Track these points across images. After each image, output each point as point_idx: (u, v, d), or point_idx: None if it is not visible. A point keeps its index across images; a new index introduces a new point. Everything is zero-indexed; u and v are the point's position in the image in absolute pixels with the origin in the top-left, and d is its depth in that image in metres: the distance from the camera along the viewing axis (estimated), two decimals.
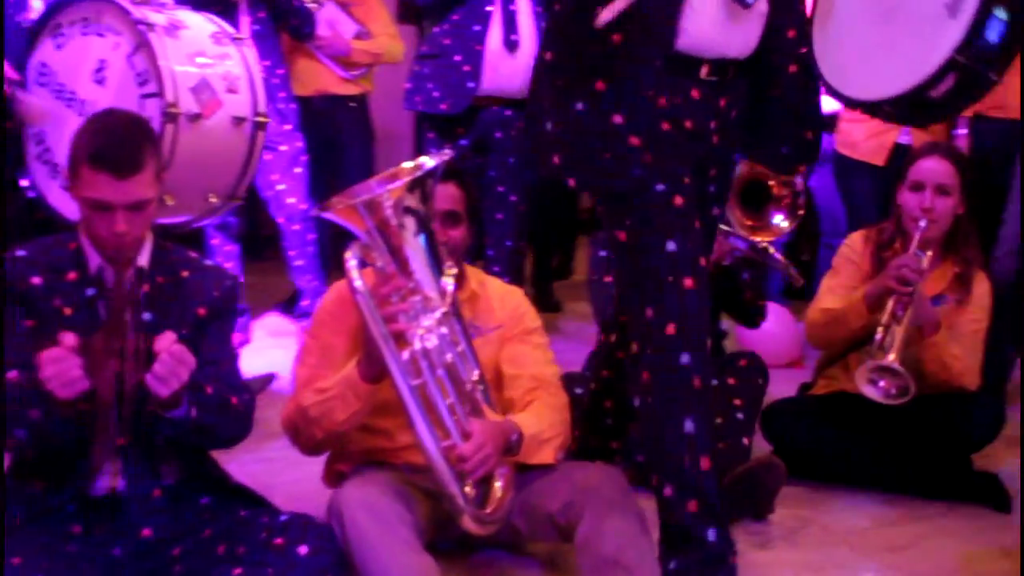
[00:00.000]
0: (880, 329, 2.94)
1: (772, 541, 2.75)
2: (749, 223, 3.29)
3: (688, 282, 2.23)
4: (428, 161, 2.27)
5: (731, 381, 3.17)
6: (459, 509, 2.16)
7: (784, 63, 2.42)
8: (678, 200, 2.26)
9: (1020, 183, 3.65)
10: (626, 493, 2.31)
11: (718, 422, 2.94)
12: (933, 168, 3.09)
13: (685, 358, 2.23)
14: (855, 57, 2.64)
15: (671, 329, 2.23)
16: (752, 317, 3.48)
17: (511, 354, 2.56)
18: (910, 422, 3.05)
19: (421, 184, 2.22)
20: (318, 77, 4.61)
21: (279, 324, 4.34)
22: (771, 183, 3.18)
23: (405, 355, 2.14)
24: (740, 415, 3.09)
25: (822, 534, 2.81)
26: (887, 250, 3.16)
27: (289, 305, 4.50)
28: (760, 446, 3.15)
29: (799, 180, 3.26)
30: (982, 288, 3.17)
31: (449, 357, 2.23)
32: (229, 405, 2.12)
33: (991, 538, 2.80)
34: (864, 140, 4.31)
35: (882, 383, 2.90)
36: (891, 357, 2.87)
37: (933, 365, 3.01)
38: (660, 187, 2.25)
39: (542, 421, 2.42)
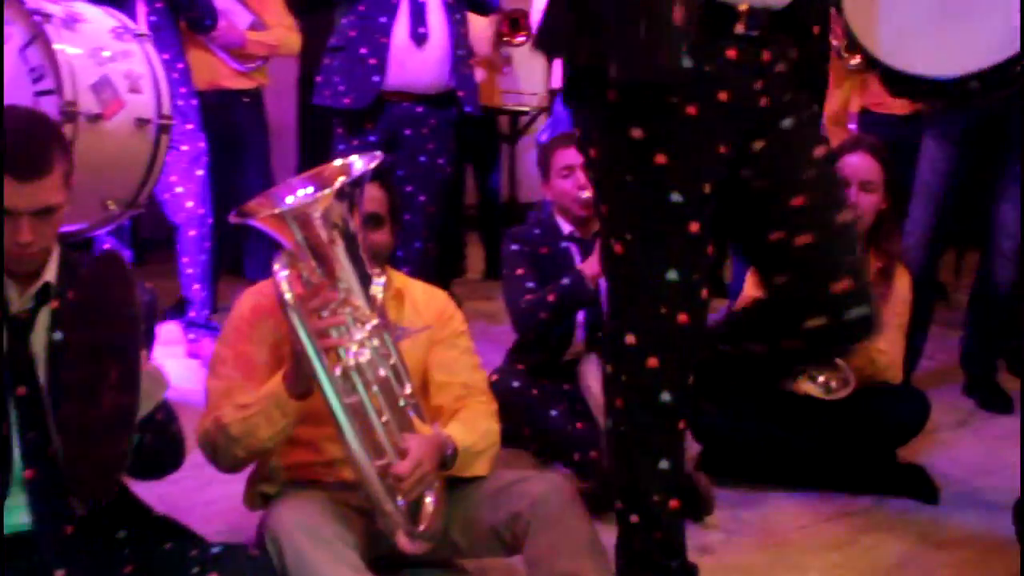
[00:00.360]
0: None
1: (713, 545, 2.70)
2: None
3: (682, 317, 2.00)
4: (357, 163, 2.13)
5: None
6: (394, 528, 2.07)
7: (809, 21, 2.09)
8: (693, 226, 1.98)
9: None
10: (576, 505, 2.21)
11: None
12: (858, 164, 3.11)
13: (666, 396, 2.03)
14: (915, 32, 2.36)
15: (653, 362, 2.02)
16: None
17: (440, 359, 2.44)
18: (837, 417, 3.04)
19: (351, 188, 2.07)
20: (211, 70, 4.31)
21: (170, 332, 4.13)
22: None
23: (338, 371, 2.01)
24: None
25: (762, 535, 2.77)
26: None
27: (177, 312, 4.24)
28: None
29: None
30: (903, 282, 3.20)
31: (383, 372, 2.11)
32: (171, 430, 1.96)
33: (925, 531, 2.81)
34: None
35: (821, 379, 2.89)
36: None
37: (860, 360, 2.99)
38: (675, 198, 1.96)
39: (475, 432, 2.32)
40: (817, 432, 3.07)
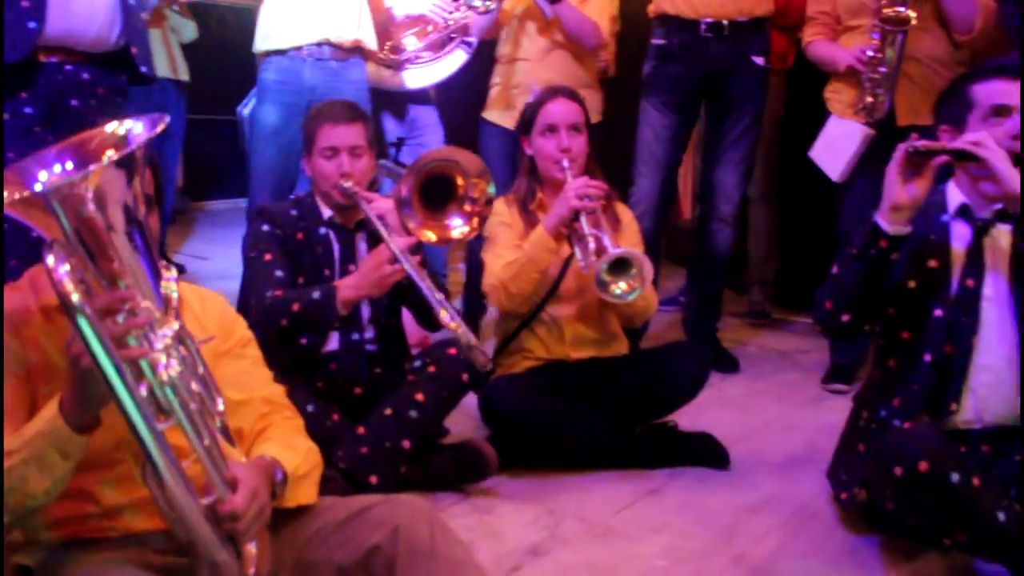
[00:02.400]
0: (578, 248, 2.87)
1: (541, 545, 2.43)
2: (426, 220, 2.87)
3: None
4: (136, 127, 1.61)
5: (431, 370, 2.76)
6: None
7: None
8: None
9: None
10: (445, 527, 1.83)
11: (386, 413, 2.64)
12: (563, 110, 3.04)
13: None
14: None
15: None
16: (431, 318, 3.02)
17: (231, 374, 1.94)
18: (620, 379, 2.99)
19: (129, 161, 1.55)
20: None
21: None
22: (458, 180, 2.81)
23: (143, 390, 1.50)
24: (414, 413, 2.67)
25: (584, 525, 2.55)
26: (532, 203, 3.07)
27: None
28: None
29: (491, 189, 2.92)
30: (627, 215, 3.18)
31: (195, 386, 1.61)
32: None
33: (729, 497, 2.74)
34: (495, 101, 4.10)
35: (622, 283, 2.76)
36: (615, 250, 2.73)
37: (626, 305, 2.89)
38: None
39: (296, 452, 1.87)
40: (602, 395, 2.96)
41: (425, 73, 4.19)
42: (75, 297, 1.43)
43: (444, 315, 2.52)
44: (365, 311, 2.86)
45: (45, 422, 1.56)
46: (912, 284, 2.42)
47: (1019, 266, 2.38)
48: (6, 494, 1.55)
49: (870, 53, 3.41)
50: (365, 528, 1.80)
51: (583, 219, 2.82)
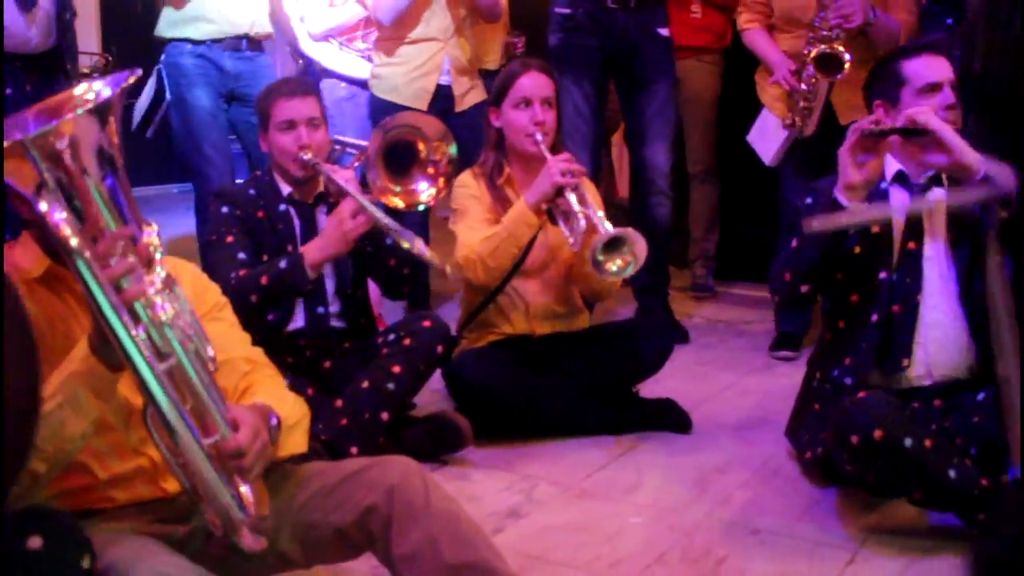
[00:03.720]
0: (564, 225, 2.89)
1: (519, 508, 2.50)
2: (392, 186, 2.90)
3: None
4: (104, 90, 1.61)
5: (406, 342, 2.79)
6: (235, 522, 1.63)
7: None
8: None
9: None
10: (438, 486, 1.87)
11: (363, 386, 2.68)
12: (536, 83, 3.04)
13: None
14: None
15: None
16: (396, 286, 3.07)
17: (210, 335, 1.94)
18: (585, 353, 3.05)
19: (103, 112, 1.56)
20: None
21: None
22: (420, 145, 2.83)
23: (141, 331, 1.52)
24: (391, 385, 2.72)
25: (558, 488, 2.62)
26: (500, 177, 3.08)
27: None
28: None
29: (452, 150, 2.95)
30: (592, 189, 3.19)
31: (191, 330, 1.64)
32: None
33: (695, 458, 2.83)
34: (405, 85, 4.00)
35: (618, 261, 2.77)
36: (607, 228, 2.74)
37: (595, 280, 2.98)
38: None
39: (284, 402, 1.90)
40: (567, 369, 3.02)
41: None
42: (74, 241, 1.44)
43: (419, 245, 2.58)
44: (329, 284, 2.88)
45: (78, 362, 1.58)
46: (857, 250, 2.53)
47: (957, 227, 2.51)
48: (45, 441, 1.55)
49: (803, 87, 3.62)
50: (360, 489, 1.83)
51: (569, 196, 2.83)
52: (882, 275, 2.50)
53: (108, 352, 1.54)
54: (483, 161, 3.12)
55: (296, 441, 1.89)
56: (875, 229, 2.52)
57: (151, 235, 1.66)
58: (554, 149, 3.01)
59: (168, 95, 3.88)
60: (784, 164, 3.90)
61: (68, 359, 1.59)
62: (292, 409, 1.90)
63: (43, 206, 1.45)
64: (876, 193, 2.53)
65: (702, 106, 4.56)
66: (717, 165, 4.76)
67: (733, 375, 3.63)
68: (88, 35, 5.21)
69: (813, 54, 3.54)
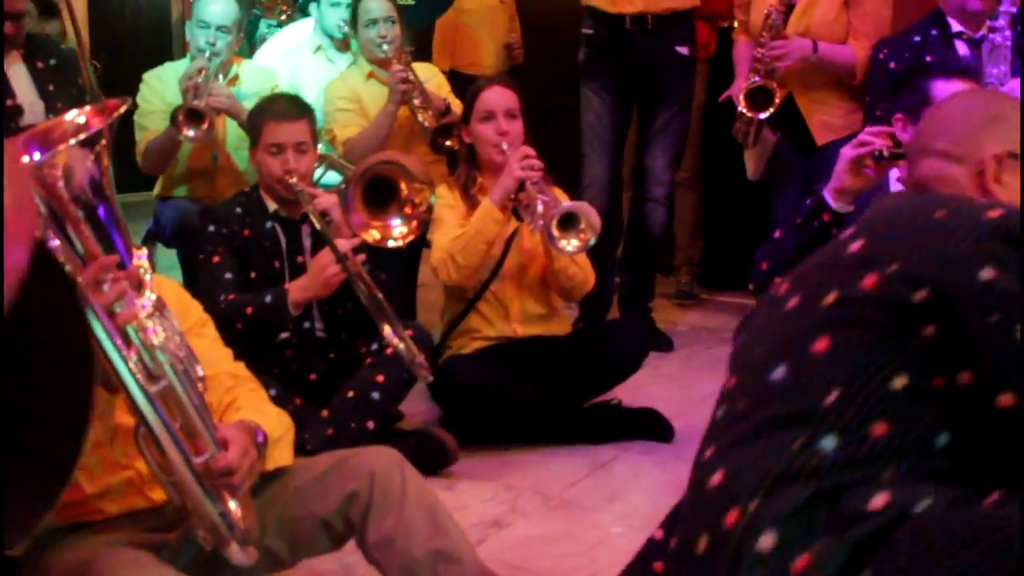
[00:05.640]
0: (526, 215, 3.00)
1: (502, 518, 2.53)
2: (369, 220, 2.94)
3: None
4: (94, 120, 1.64)
5: (389, 352, 2.81)
6: (224, 538, 1.66)
7: None
8: None
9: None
10: (417, 475, 1.92)
11: (349, 396, 2.74)
12: (498, 96, 3.14)
13: None
14: None
15: None
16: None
17: (194, 351, 2.01)
18: (565, 356, 3.10)
19: (95, 140, 1.60)
20: None
21: None
22: (402, 184, 2.90)
23: (132, 354, 1.56)
24: (376, 394, 2.78)
25: (541, 499, 2.66)
26: (473, 187, 3.17)
27: None
28: None
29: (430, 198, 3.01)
30: (563, 196, 3.25)
31: (181, 352, 1.68)
32: None
33: (676, 467, 2.83)
34: None
35: (573, 239, 2.88)
36: (563, 205, 2.88)
37: (564, 279, 3.07)
38: None
39: (268, 417, 1.94)
40: (548, 372, 3.06)
41: None
42: (68, 268, 1.48)
43: (387, 330, 2.61)
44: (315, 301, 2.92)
45: None
46: None
47: None
48: None
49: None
50: (342, 477, 1.88)
51: (529, 187, 2.94)
52: None
53: (105, 375, 1.57)
54: (457, 175, 3.23)
55: (282, 454, 1.93)
56: None
57: (141, 258, 1.70)
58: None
59: None
60: (768, 180, 3.96)
61: None
62: (277, 423, 1.94)
63: (36, 233, 1.48)
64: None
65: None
66: (702, 173, 4.80)
67: (716, 383, 3.59)
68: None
69: (745, 91, 3.66)
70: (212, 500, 1.64)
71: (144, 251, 1.75)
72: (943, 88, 2.49)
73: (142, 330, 1.57)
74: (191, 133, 3.43)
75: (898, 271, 1.16)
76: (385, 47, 3.65)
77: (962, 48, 3.27)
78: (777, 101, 3.60)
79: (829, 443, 1.11)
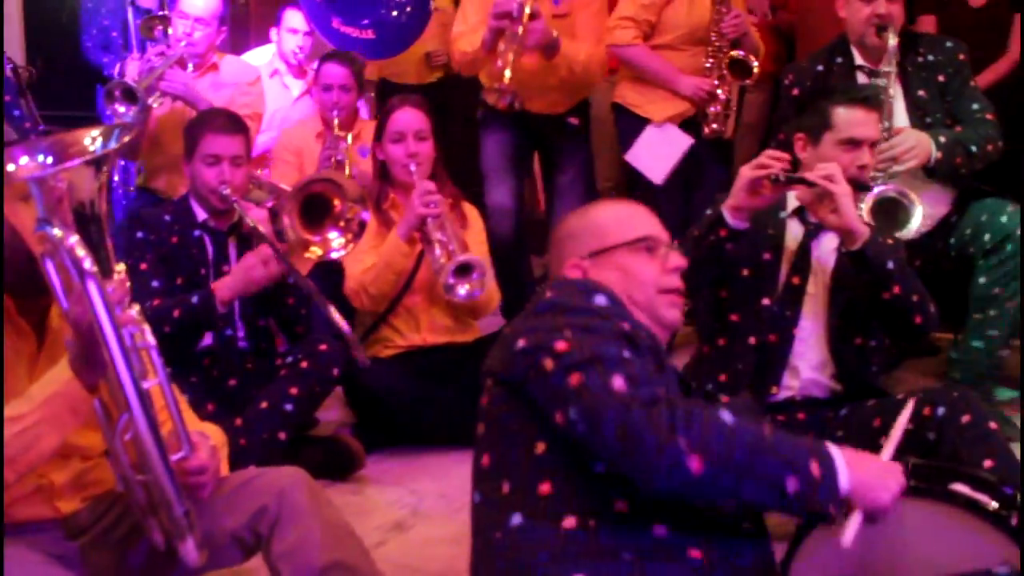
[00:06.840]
0: (428, 251, 3.17)
1: (404, 521, 2.65)
2: (308, 236, 3.03)
3: None
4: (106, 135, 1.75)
5: (304, 365, 2.93)
6: (183, 535, 1.77)
7: None
8: None
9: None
10: (322, 492, 2.02)
11: (262, 407, 2.84)
12: (409, 118, 3.29)
13: None
14: None
15: None
16: (292, 324, 3.18)
17: None
18: (475, 362, 3.11)
19: (100, 161, 1.70)
20: None
21: None
22: (336, 201, 3.00)
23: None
24: (288, 406, 2.87)
25: (444, 503, 2.78)
26: (385, 202, 3.33)
27: None
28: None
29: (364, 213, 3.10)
30: (474, 214, 3.48)
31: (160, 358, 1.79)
32: None
33: None
34: None
35: (466, 286, 3.11)
36: (458, 257, 3.07)
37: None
38: None
39: (208, 429, 2.05)
40: (463, 379, 3.15)
41: None
42: (87, 263, 1.58)
43: (333, 312, 2.76)
44: (237, 307, 3.01)
45: (62, 384, 1.71)
46: (746, 272, 2.62)
47: (840, 272, 2.59)
48: (19, 454, 1.69)
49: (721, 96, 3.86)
50: (253, 493, 1.97)
51: (429, 224, 3.11)
52: (764, 302, 2.59)
53: (87, 373, 1.68)
54: (370, 190, 3.34)
55: (222, 465, 2.02)
56: (767, 256, 2.61)
57: (121, 272, 1.80)
58: (438, 176, 3.31)
59: None
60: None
61: (47, 380, 1.73)
62: (216, 436, 2.04)
63: (56, 232, 1.60)
64: (775, 221, 2.63)
65: (607, 126, 4.72)
66: (625, 181, 4.92)
67: None
68: (11, 45, 5.23)
69: (727, 60, 3.81)
70: (180, 498, 1.73)
71: (122, 266, 1.84)
72: (844, 115, 2.60)
73: (140, 332, 1.67)
74: (120, 109, 3.53)
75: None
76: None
77: (863, 80, 3.38)
78: (755, 69, 3.83)
79: None
